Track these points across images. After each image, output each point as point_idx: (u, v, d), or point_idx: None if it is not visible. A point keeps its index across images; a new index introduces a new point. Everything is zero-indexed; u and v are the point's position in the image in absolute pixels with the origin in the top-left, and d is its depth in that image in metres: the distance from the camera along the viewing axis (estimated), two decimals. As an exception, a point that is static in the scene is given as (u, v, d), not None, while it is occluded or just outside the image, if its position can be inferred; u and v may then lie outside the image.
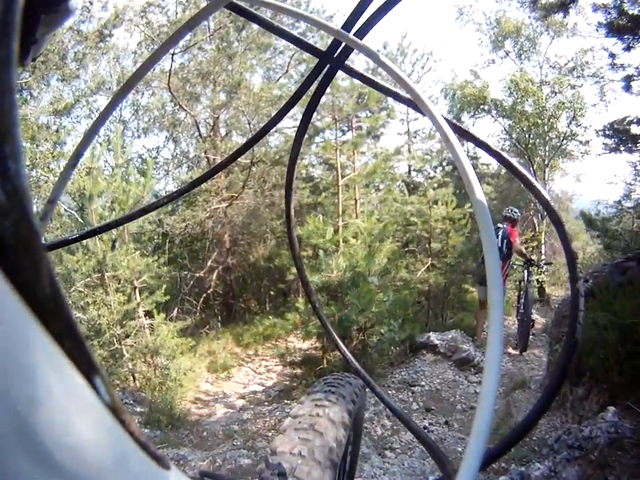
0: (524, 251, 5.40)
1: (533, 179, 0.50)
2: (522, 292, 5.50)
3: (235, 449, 3.16)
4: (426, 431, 3.76)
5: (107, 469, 0.15)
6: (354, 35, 0.50)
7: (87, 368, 0.16)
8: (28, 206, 0.14)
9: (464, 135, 0.53)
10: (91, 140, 0.62)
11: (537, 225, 9.15)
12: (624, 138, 4.69)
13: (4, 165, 0.13)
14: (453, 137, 0.36)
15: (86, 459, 0.14)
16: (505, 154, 0.52)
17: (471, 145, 10.73)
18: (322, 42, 6.69)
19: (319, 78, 0.61)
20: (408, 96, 0.54)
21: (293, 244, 0.78)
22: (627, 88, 4.72)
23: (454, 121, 0.53)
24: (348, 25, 0.50)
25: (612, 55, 5.03)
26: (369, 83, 0.59)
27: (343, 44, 0.55)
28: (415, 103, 0.53)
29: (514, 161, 0.52)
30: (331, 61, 0.57)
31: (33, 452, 0.13)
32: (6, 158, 0.13)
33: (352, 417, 0.99)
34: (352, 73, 0.60)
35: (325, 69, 0.59)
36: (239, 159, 7.57)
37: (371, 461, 3.00)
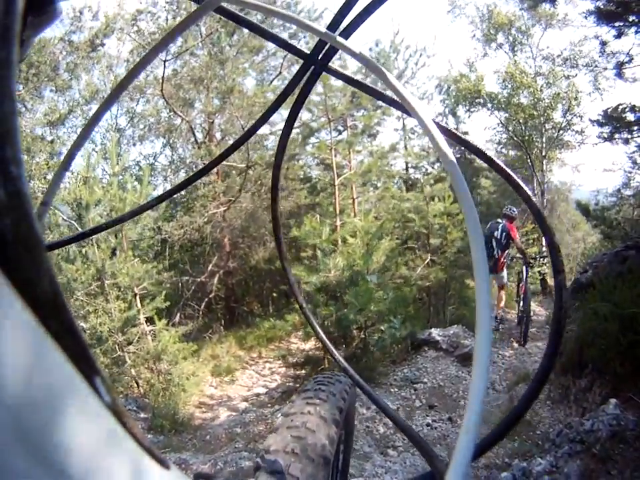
0: (524, 249, 5.73)
1: (514, 175, 0.49)
2: (521, 285, 5.70)
3: (236, 452, 3.17)
4: (429, 427, 3.75)
5: (106, 469, 0.15)
6: (340, 35, 0.49)
7: (87, 368, 0.16)
8: (29, 207, 0.14)
9: (452, 136, 0.53)
10: (86, 139, 0.61)
11: (537, 216, 9.09)
12: (618, 125, 4.65)
13: (6, 168, 0.13)
14: (439, 137, 0.36)
15: (86, 459, 0.14)
16: (488, 152, 0.52)
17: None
18: (313, 42, 6.68)
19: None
20: (394, 97, 0.54)
21: (279, 244, 0.78)
22: (619, 75, 4.67)
23: (442, 123, 0.52)
24: (333, 26, 0.49)
25: (603, 43, 5.00)
26: (354, 84, 0.58)
27: (327, 45, 0.55)
28: (399, 103, 0.52)
29: (501, 159, 0.51)
30: (314, 62, 0.57)
31: (33, 452, 0.13)
32: (8, 161, 0.13)
33: (343, 414, 1.00)
34: (336, 74, 0.59)
35: (310, 71, 0.59)
36: (236, 163, 7.59)
37: (372, 460, 2.99)
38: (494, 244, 5.51)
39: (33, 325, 0.14)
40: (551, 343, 0.46)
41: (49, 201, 0.58)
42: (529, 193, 0.49)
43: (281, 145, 0.69)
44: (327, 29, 0.48)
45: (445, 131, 0.52)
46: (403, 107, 0.53)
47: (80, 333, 0.16)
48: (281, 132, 0.67)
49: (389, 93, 0.57)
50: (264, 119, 0.70)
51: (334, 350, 0.78)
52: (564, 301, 0.47)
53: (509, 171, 0.51)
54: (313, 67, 0.58)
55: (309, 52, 0.58)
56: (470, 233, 0.33)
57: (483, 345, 0.28)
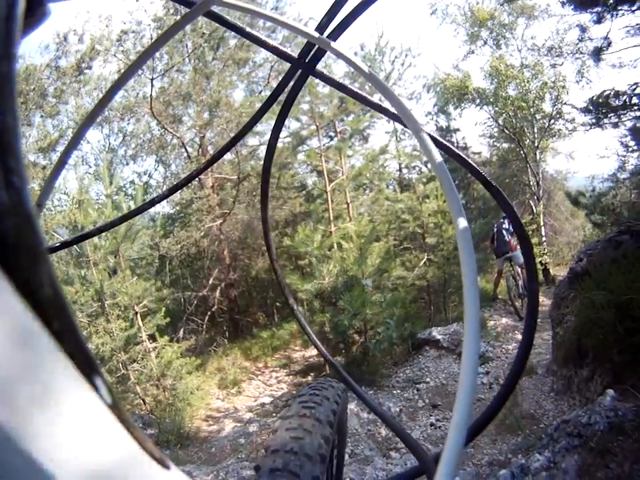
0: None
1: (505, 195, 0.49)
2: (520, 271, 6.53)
3: (238, 462, 3.18)
4: (433, 427, 3.73)
5: (107, 469, 0.15)
6: (327, 37, 0.49)
7: (88, 368, 0.16)
8: (30, 212, 0.14)
9: (441, 147, 0.51)
10: (79, 141, 0.62)
11: (534, 207, 9.08)
12: (605, 111, 4.62)
13: (8, 178, 0.13)
14: (427, 138, 0.36)
15: (86, 459, 0.15)
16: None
17: (459, 136, 10.67)
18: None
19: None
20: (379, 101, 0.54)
21: (269, 247, 0.79)
22: (597, 60, 4.65)
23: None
24: (321, 28, 0.49)
25: (582, 29, 4.98)
26: (340, 88, 0.57)
27: (315, 47, 0.54)
28: (385, 108, 0.53)
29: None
30: (301, 65, 0.56)
31: (32, 453, 0.13)
32: (10, 172, 0.14)
33: (336, 416, 1.05)
34: (323, 77, 0.58)
35: (297, 74, 0.58)
36: (229, 175, 7.63)
37: (374, 463, 2.98)
38: (504, 232, 6.51)
39: (34, 325, 0.14)
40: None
41: (43, 202, 0.60)
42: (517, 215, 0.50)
43: (271, 142, 0.68)
44: (314, 30, 0.48)
45: (434, 139, 0.51)
46: (388, 111, 0.53)
47: (80, 333, 0.16)
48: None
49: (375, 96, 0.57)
50: (255, 119, 0.70)
51: (322, 346, 0.80)
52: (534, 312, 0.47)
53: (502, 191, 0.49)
54: (300, 70, 0.57)
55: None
56: (458, 236, 0.32)
57: (471, 342, 0.28)
